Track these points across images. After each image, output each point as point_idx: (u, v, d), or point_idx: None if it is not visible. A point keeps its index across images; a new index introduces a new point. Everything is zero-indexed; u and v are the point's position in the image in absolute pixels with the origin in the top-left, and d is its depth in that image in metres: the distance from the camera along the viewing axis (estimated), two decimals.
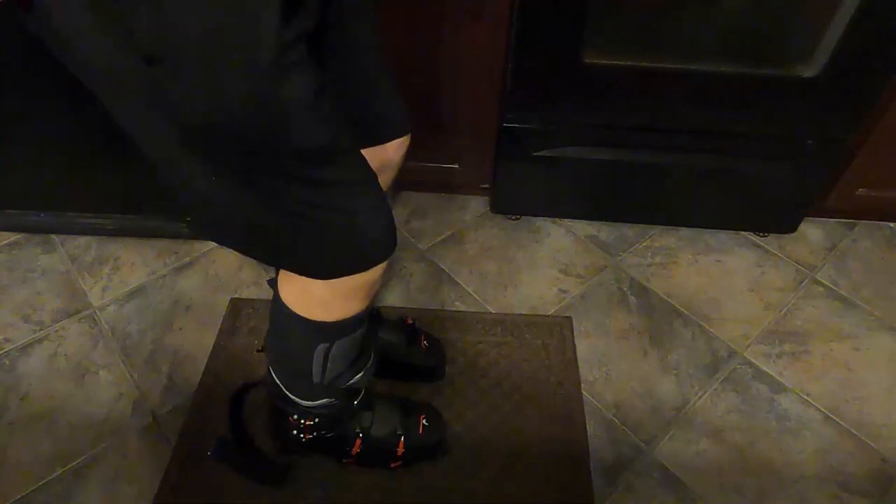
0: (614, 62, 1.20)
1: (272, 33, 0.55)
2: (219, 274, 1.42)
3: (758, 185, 1.42)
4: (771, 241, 1.53)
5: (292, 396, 0.98)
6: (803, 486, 1.11)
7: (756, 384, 1.25)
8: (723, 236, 1.54)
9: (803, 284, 1.44)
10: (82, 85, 0.60)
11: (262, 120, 0.60)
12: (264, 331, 1.27)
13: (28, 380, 1.23)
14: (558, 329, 1.32)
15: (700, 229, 1.55)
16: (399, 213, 1.57)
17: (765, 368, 1.28)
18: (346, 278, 0.79)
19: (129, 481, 1.09)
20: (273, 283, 0.89)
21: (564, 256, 1.49)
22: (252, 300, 1.35)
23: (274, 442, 1.09)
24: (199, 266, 1.44)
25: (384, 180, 0.96)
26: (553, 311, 1.37)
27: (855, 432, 1.18)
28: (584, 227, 1.56)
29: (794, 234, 1.53)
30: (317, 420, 1.00)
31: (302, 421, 0.99)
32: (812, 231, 1.55)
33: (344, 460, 1.07)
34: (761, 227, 1.53)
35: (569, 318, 1.35)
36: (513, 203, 1.54)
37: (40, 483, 1.09)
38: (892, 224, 1.58)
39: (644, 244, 1.52)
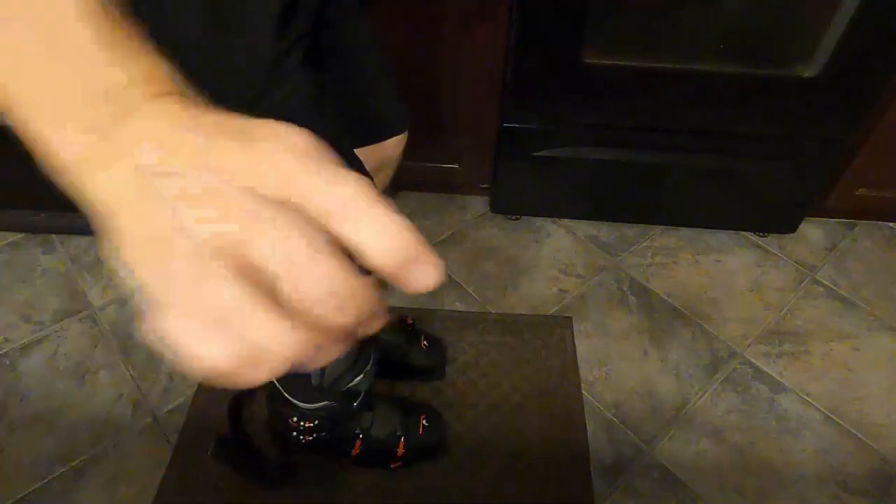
0: (614, 62, 1.20)
1: (270, 34, 0.55)
2: None
3: (758, 185, 1.42)
4: (771, 241, 1.53)
5: (292, 399, 0.98)
6: (803, 486, 1.11)
7: (756, 384, 1.25)
8: (723, 236, 1.54)
9: (803, 284, 1.44)
10: None
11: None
12: None
13: (28, 380, 1.23)
14: (558, 329, 1.32)
15: (700, 229, 1.55)
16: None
17: (765, 368, 1.28)
18: None
19: (129, 481, 1.09)
20: None
21: (564, 256, 1.49)
22: None
23: (274, 443, 1.09)
24: None
25: (382, 178, 0.95)
26: (553, 311, 1.37)
27: (855, 432, 1.18)
28: (584, 227, 1.56)
29: (794, 234, 1.53)
30: (316, 422, 0.99)
31: (302, 423, 0.99)
32: (812, 231, 1.55)
33: (344, 461, 1.07)
34: (761, 227, 1.53)
35: (569, 318, 1.35)
36: (513, 203, 1.54)
37: (40, 483, 1.09)
38: (892, 224, 1.57)
39: (644, 244, 1.52)
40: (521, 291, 1.41)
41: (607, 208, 1.54)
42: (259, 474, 1.07)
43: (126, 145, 0.26)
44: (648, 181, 1.43)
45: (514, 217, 1.57)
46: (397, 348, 1.19)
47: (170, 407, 1.19)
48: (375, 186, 0.66)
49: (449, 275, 1.44)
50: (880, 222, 1.58)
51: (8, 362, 1.26)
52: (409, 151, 0.96)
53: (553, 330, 1.32)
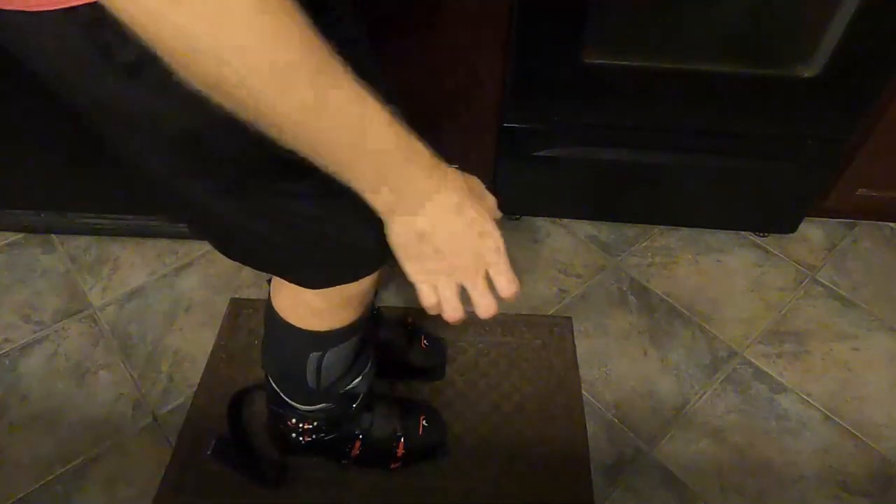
0: (614, 62, 1.20)
1: None
2: (219, 274, 1.42)
3: (758, 186, 1.41)
4: (771, 241, 1.53)
5: (290, 401, 0.97)
6: (803, 486, 1.11)
7: (756, 384, 1.25)
8: (723, 236, 1.54)
9: (803, 284, 1.44)
10: None
11: (237, 136, 0.55)
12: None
13: (28, 380, 1.23)
14: (558, 329, 1.32)
15: (700, 229, 1.55)
16: None
17: (765, 368, 1.28)
18: (337, 288, 0.78)
19: (129, 481, 1.09)
20: None
21: (564, 256, 1.49)
22: (252, 300, 1.35)
23: (273, 443, 1.09)
24: (199, 266, 1.44)
25: None
26: (553, 311, 1.37)
27: (855, 432, 1.18)
28: (584, 227, 1.56)
29: (794, 234, 1.53)
30: (315, 424, 0.99)
31: (301, 425, 0.99)
32: (812, 231, 1.55)
33: (343, 461, 1.07)
34: (761, 227, 1.53)
35: (569, 318, 1.35)
36: (513, 203, 1.54)
37: (40, 483, 1.09)
38: (892, 224, 1.57)
39: (644, 244, 1.52)
40: (521, 291, 1.40)
41: (607, 208, 1.54)
42: (258, 474, 1.07)
43: (406, 199, 0.55)
44: (648, 181, 1.43)
45: (514, 217, 1.57)
46: (397, 348, 1.19)
47: (170, 407, 1.19)
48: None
49: None
50: (880, 222, 1.58)
51: (8, 362, 1.26)
52: None
53: (553, 330, 1.32)
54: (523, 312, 1.36)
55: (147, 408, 1.19)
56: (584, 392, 1.22)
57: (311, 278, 0.78)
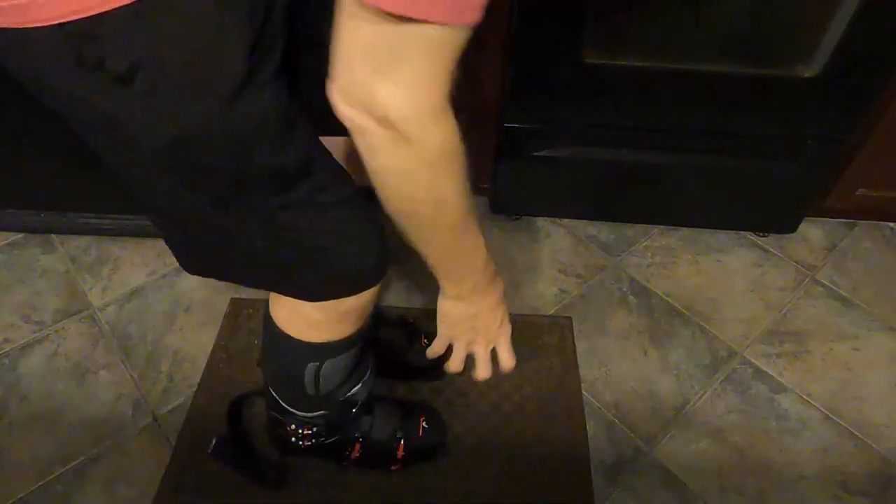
0: (614, 62, 1.20)
1: (243, 46, 0.54)
2: None
3: (758, 185, 1.42)
4: (771, 241, 1.53)
5: (289, 408, 0.97)
6: (803, 486, 1.11)
7: (756, 384, 1.25)
8: (723, 236, 1.54)
9: (803, 284, 1.44)
10: None
11: (234, 135, 0.58)
12: None
13: (28, 380, 1.23)
14: (558, 329, 1.32)
15: (700, 229, 1.55)
16: None
17: (765, 368, 1.28)
18: (334, 301, 0.78)
19: (129, 481, 1.09)
20: None
21: (564, 256, 1.49)
22: (252, 300, 1.35)
23: (273, 444, 1.09)
24: None
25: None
26: (553, 311, 1.37)
27: (855, 432, 1.18)
28: (584, 227, 1.56)
29: (794, 234, 1.53)
30: (315, 429, 0.99)
31: (300, 430, 0.99)
32: (812, 231, 1.55)
33: (343, 463, 1.07)
34: (761, 227, 1.53)
35: (569, 318, 1.35)
36: (513, 203, 1.54)
37: (40, 483, 1.09)
38: (892, 224, 1.57)
39: (644, 244, 1.52)
40: (521, 291, 1.41)
41: (607, 208, 1.54)
42: (258, 475, 1.07)
43: (474, 294, 0.77)
44: (648, 181, 1.43)
45: (514, 217, 1.57)
46: (397, 348, 1.19)
47: (170, 407, 1.19)
48: (351, 177, 0.70)
49: None
50: (880, 222, 1.58)
51: (8, 362, 1.26)
52: None
53: (553, 330, 1.32)
54: (523, 312, 1.36)
55: (147, 408, 1.19)
56: (584, 392, 1.22)
57: (305, 291, 0.78)
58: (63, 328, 1.32)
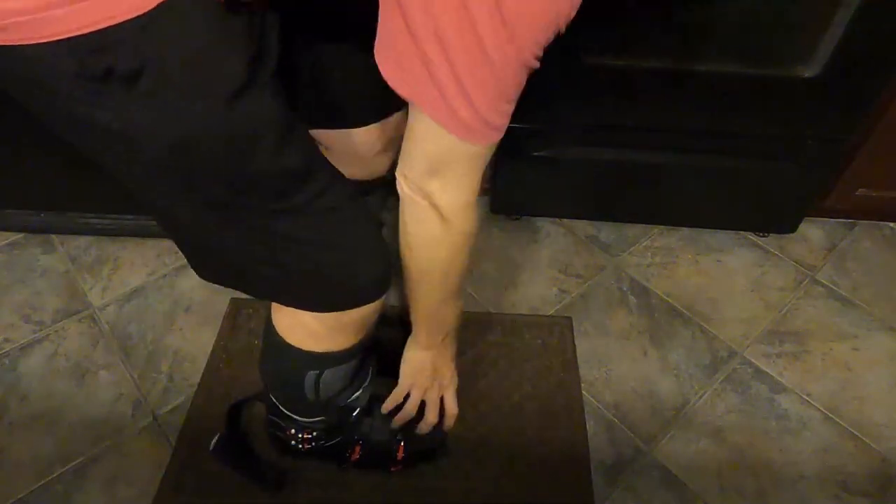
0: (614, 62, 1.20)
1: (243, 52, 0.57)
2: None
3: (758, 186, 1.41)
4: (771, 241, 1.53)
5: (289, 413, 0.97)
6: (803, 486, 1.11)
7: (756, 384, 1.25)
8: (723, 236, 1.54)
9: (803, 284, 1.44)
10: None
11: (235, 135, 0.59)
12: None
13: (28, 380, 1.23)
14: (558, 329, 1.32)
15: (700, 229, 1.55)
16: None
17: (765, 368, 1.28)
18: (335, 313, 0.78)
19: (129, 481, 1.09)
20: None
21: (564, 256, 1.49)
22: (252, 301, 1.35)
23: (273, 446, 1.09)
24: None
25: (391, 156, 0.94)
26: (553, 311, 1.37)
27: (855, 432, 1.18)
28: (584, 227, 1.56)
29: (794, 234, 1.53)
30: (315, 433, 0.99)
31: (300, 434, 0.99)
32: (812, 231, 1.55)
33: (343, 465, 1.07)
34: (761, 227, 1.53)
35: (569, 318, 1.35)
36: (513, 203, 1.54)
37: (40, 483, 1.09)
38: (892, 224, 1.58)
39: (644, 244, 1.52)
40: (521, 291, 1.41)
41: (607, 208, 1.54)
42: (259, 476, 1.07)
43: (442, 345, 0.96)
44: (648, 181, 1.43)
45: (514, 217, 1.57)
46: (397, 348, 1.19)
47: (170, 407, 1.19)
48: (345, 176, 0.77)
49: None
50: (880, 222, 1.58)
51: (8, 362, 1.26)
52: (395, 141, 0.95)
53: (553, 330, 1.32)
54: (523, 312, 1.36)
55: (147, 408, 1.19)
56: (584, 392, 1.22)
57: (306, 301, 0.77)
58: (63, 328, 1.32)
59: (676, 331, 1.34)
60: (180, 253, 1.45)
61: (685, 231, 1.55)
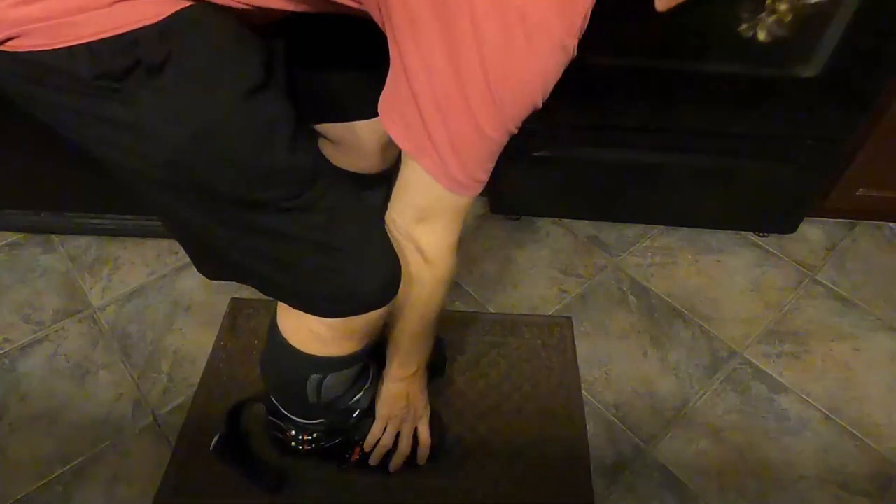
0: (614, 62, 1.20)
1: (259, 57, 0.63)
2: None
3: (758, 185, 1.41)
4: (771, 241, 1.53)
5: (289, 414, 0.97)
6: (803, 486, 1.11)
7: (756, 384, 1.25)
8: (723, 236, 1.54)
9: (803, 284, 1.44)
10: None
11: (250, 128, 0.63)
12: (264, 331, 1.27)
13: (28, 380, 1.23)
14: (558, 329, 1.32)
15: (700, 229, 1.55)
16: None
17: (765, 368, 1.28)
18: (343, 319, 0.78)
19: (129, 481, 1.09)
20: None
21: (564, 256, 1.49)
22: (252, 300, 1.35)
23: (273, 446, 1.09)
24: None
25: (394, 152, 0.95)
26: (553, 311, 1.37)
27: (855, 432, 1.18)
28: (584, 227, 1.56)
29: (794, 234, 1.53)
30: (315, 435, 0.99)
31: (300, 436, 0.99)
32: (812, 231, 1.55)
33: (343, 466, 1.07)
34: (761, 227, 1.53)
35: (569, 318, 1.35)
36: (513, 203, 1.54)
37: (40, 483, 1.09)
38: (892, 224, 1.58)
39: (644, 244, 1.52)
40: (521, 291, 1.41)
41: (607, 208, 1.54)
42: (257, 477, 1.07)
43: (414, 377, 0.99)
44: (648, 181, 1.43)
45: (514, 217, 1.57)
46: None
47: (170, 407, 1.19)
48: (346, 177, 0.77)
49: None
50: (880, 222, 1.58)
51: (8, 362, 1.26)
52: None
53: (553, 330, 1.32)
54: (523, 312, 1.36)
55: (147, 408, 1.19)
56: (584, 392, 1.22)
57: (312, 305, 0.77)
58: (63, 328, 1.32)
59: (676, 331, 1.34)
60: (180, 253, 1.46)
61: (685, 231, 1.55)
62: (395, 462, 1.06)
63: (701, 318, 1.36)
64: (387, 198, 0.76)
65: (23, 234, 1.51)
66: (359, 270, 0.73)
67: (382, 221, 0.76)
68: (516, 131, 0.65)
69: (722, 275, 1.45)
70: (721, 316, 1.37)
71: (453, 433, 1.14)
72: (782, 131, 1.30)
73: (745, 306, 1.39)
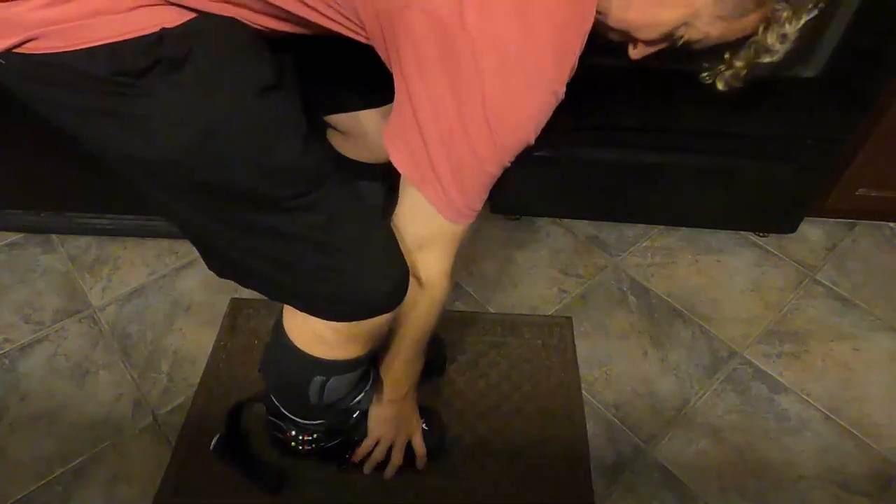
0: (614, 63, 1.20)
1: (271, 62, 0.66)
2: None
3: (758, 185, 1.41)
4: (771, 241, 1.53)
5: (290, 415, 0.97)
6: (803, 486, 1.11)
7: (756, 384, 1.25)
8: (723, 236, 1.54)
9: (803, 284, 1.44)
10: None
11: (261, 124, 0.65)
12: (264, 331, 1.27)
13: (28, 380, 1.23)
14: (558, 329, 1.32)
15: (700, 229, 1.55)
16: None
17: (765, 368, 1.28)
18: (349, 323, 0.78)
19: (129, 481, 1.09)
20: None
21: (564, 256, 1.49)
22: (252, 300, 1.35)
23: (273, 447, 1.09)
24: (199, 266, 1.44)
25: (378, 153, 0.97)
26: (553, 311, 1.37)
27: (855, 432, 1.18)
28: (584, 227, 1.56)
29: (794, 234, 1.53)
30: (315, 435, 0.99)
31: (300, 436, 0.99)
32: (812, 231, 1.55)
33: (343, 466, 1.07)
34: (761, 227, 1.53)
35: (569, 318, 1.35)
36: (513, 203, 1.54)
37: (40, 483, 1.09)
38: (892, 224, 1.58)
39: (644, 244, 1.52)
40: (521, 291, 1.41)
41: (607, 208, 1.54)
42: (257, 478, 1.07)
43: (404, 396, 1.01)
44: (648, 181, 1.43)
45: (514, 217, 1.57)
46: None
47: (170, 407, 1.19)
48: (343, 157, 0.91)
49: None
50: (880, 222, 1.58)
51: (8, 362, 1.26)
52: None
53: (553, 330, 1.32)
54: (523, 312, 1.36)
55: (147, 408, 1.19)
56: (584, 392, 1.22)
57: (317, 308, 0.77)
58: (63, 328, 1.32)
59: (676, 331, 1.34)
60: (180, 253, 1.46)
61: (685, 231, 1.55)
62: (388, 473, 1.07)
63: (701, 318, 1.36)
64: (388, 193, 0.77)
65: (23, 234, 1.51)
66: (359, 271, 0.73)
67: (384, 222, 0.76)
68: (510, 165, 0.71)
69: (722, 275, 1.45)
70: (721, 316, 1.37)
71: (453, 433, 1.14)
72: (782, 131, 1.29)
73: (745, 306, 1.39)
